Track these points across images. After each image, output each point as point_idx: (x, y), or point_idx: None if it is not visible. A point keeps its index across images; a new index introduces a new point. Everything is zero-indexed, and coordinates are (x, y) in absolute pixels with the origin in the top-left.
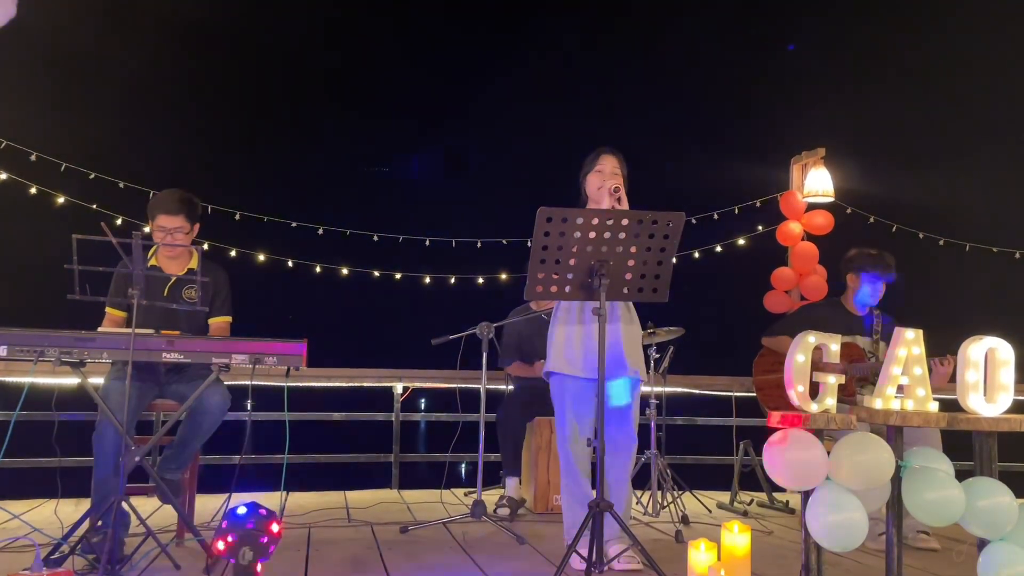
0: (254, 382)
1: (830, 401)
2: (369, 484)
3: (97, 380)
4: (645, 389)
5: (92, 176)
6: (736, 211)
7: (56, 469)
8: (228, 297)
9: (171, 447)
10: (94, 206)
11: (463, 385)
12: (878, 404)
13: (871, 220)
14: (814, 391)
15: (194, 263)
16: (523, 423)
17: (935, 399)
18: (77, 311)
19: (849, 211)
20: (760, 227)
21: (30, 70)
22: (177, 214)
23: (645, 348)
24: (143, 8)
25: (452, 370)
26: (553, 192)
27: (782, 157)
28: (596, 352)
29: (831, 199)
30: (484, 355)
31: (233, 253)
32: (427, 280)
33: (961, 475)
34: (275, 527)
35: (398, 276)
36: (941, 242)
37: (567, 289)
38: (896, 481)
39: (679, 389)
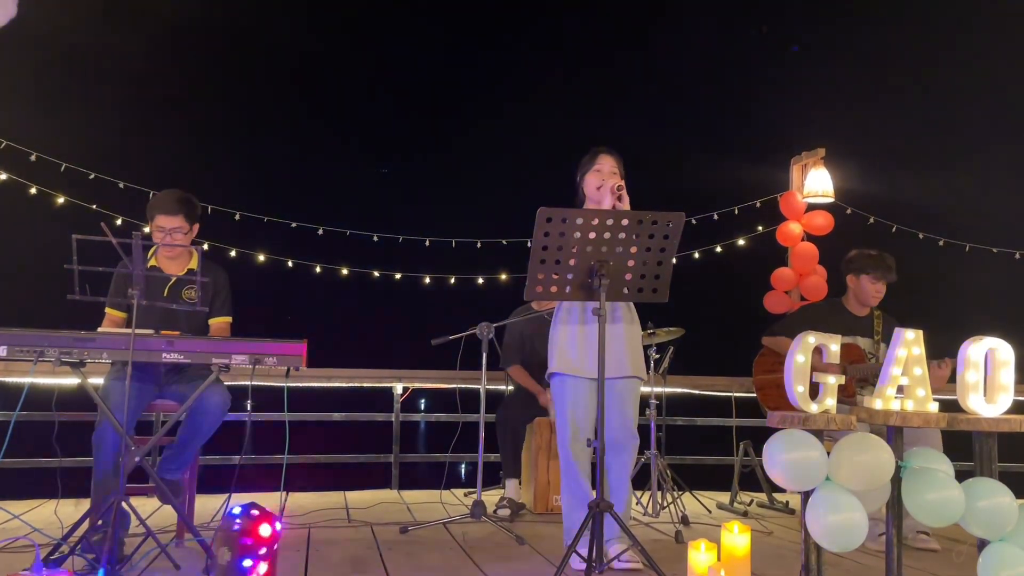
0: (254, 382)
1: (830, 402)
2: (369, 484)
3: (97, 380)
4: (645, 389)
5: (92, 176)
6: (736, 211)
7: (56, 469)
8: (228, 297)
9: (171, 447)
10: (94, 206)
11: (463, 385)
12: (878, 404)
13: (871, 220)
14: (814, 391)
15: (194, 263)
16: (523, 424)
17: (935, 399)
18: (77, 311)
19: (849, 211)
20: (760, 227)
21: (30, 70)
22: (176, 214)
23: (645, 348)
24: (143, 8)
25: (452, 370)
26: (553, 192)
27: (782, 157)
28: (605, 352)
29: (831, 199)
30: (484, 355)
31: (233, 253)
32: (427, 280)
33: (961, 475)
34: (264, 529)
35: (398, 276)
36: (941, 242)
37: (567, 289)
38: (896, 481)
39: (679, 389)
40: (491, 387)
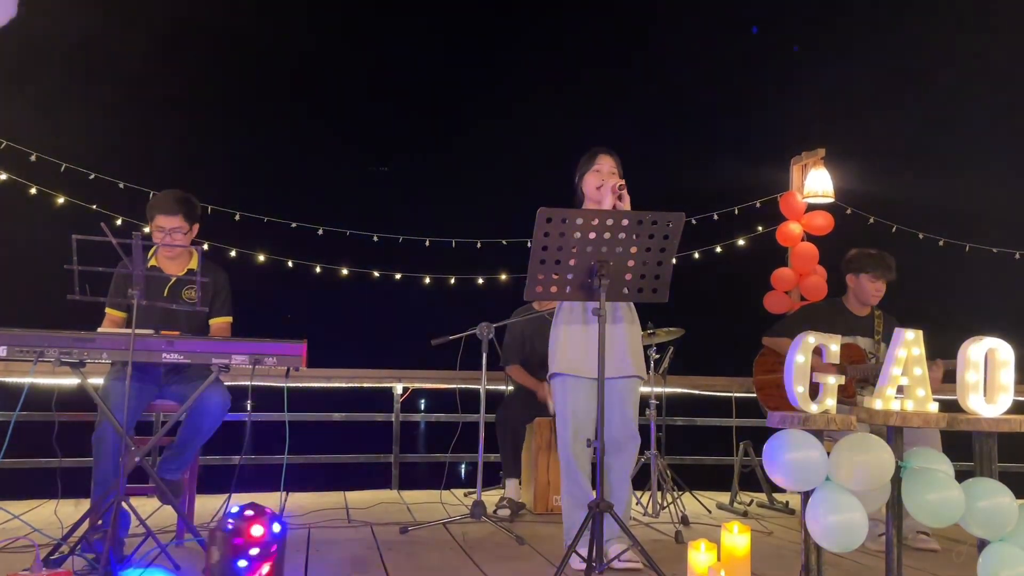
0: (254, 382)
1: (830, 402)
2: (369, 484)
3: (97, 380)
4: (645, 389)
5: (92, 176)
6: (736, 212)
7: (56, 469)
8: (228, 297)
9: (171, 448)
10: (94, 206)
11: (463, 385)
12: (878, 405)
13: (871, 221)
14: (814, 392)
15: (194, 263)
16: (522, 424)
17: (935, 399)
18: (77, 311)
19: (849, 211)
20: (760, 228)
21: (30, 70)
22: (175, 214)
23: (645, 348)
24: (144, 9)
25: (452, 370)
26: (553, 192)
27: (782, 157)
28: (605, 352)
29: (831, 200)
30: (484, 355)
31: (233, 253)
32: (427, 280)
33: (961, 476)
34: (257, 529)
35: (398, 276)
36: (941, 242)
37: (567, 290)
38: (896, 482)
39: (679, 390)
40: (491, 387)
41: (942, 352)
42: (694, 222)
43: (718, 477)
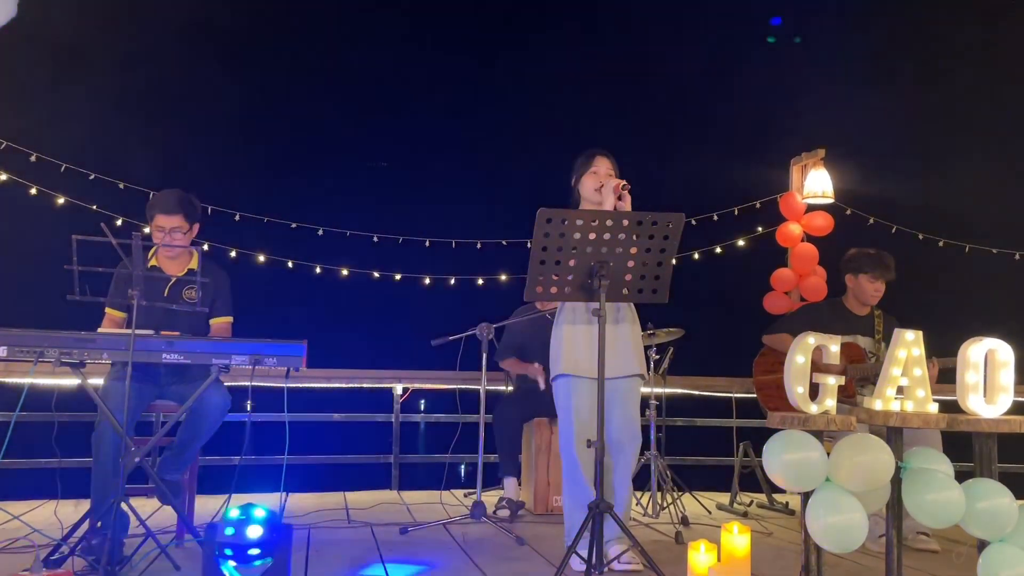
0: (254, 383)
1: (830, 402)
2: (369, 485)
3: (97, 381)
4: (645, 390)
5: (92, 177)
6: (736, 212)
7: (56, 470)
8: (228, 298)
9: (171, 448)
10: (94, 207)
11: (463, 386)
12: (878, 405)
13: (871, 221)
14: (814, 392)
15: (194, 264)
16: (519, 423)
17: (934, 400)
18: (77, 312)
19: (849, 212)
20: (760, 228)
21: (30, 71)
22: (175, 214)
23: (645, 349)
24: (144, 9)
25: (452, 371)
26: (554, 192)
27: (782, 158)
28: (606, 352)
29: (831, 200)
30: (484, 356)
31: (233, 254)
32: (427, 281)
33: (961, 476)
34: (256, 531)
35: (398, 277)
36: (940, 243)
37: (567, 290)
38: (896, 482)
39: (679, 390)
40: (491, 388)
41: (942, 353)
42: (694, 223)
43: (718, 478)
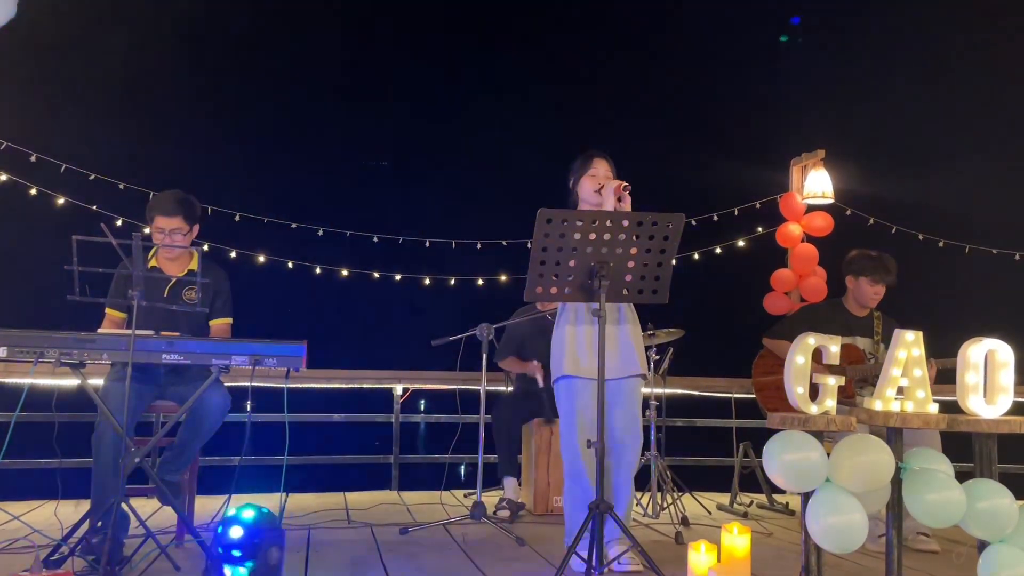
0: (254, 383)
1: (830, 403)
2: (369, 485)
3: (97, 381)
4: (645, 391)
5: (92, 177)
6: (736, 213)
7: (56, 470)
8: (228, 298)
9: (171, 448)
10: (94, 207)
11: (463, 386)
12: (878, 406)
13: (871, 222)
14: (814, 393)
15: (194, 264)
16: (518, 424)
17: (934, 400)
18: (77, 312)
19: (849, 213)
20: (760, 229)
21: (30, 71)
22: (175, 215)
23: (645, 350)
24: (145, 9)
25: (452, 371)
26: (554, 193)
27: (782, 159)
28: (608, 354)
29: (831, 201)
30: (484, 356)
31: (233, 254)
32: (427, 281)
33: (961, 477)
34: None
35: (398, 277)
36: (941, 244)
37: (567, 291)
38: (896, 483)
39: (679, 391)
40: (491, 388)
41: (942, 353)
42: (694, 223)
43: (718, 478)
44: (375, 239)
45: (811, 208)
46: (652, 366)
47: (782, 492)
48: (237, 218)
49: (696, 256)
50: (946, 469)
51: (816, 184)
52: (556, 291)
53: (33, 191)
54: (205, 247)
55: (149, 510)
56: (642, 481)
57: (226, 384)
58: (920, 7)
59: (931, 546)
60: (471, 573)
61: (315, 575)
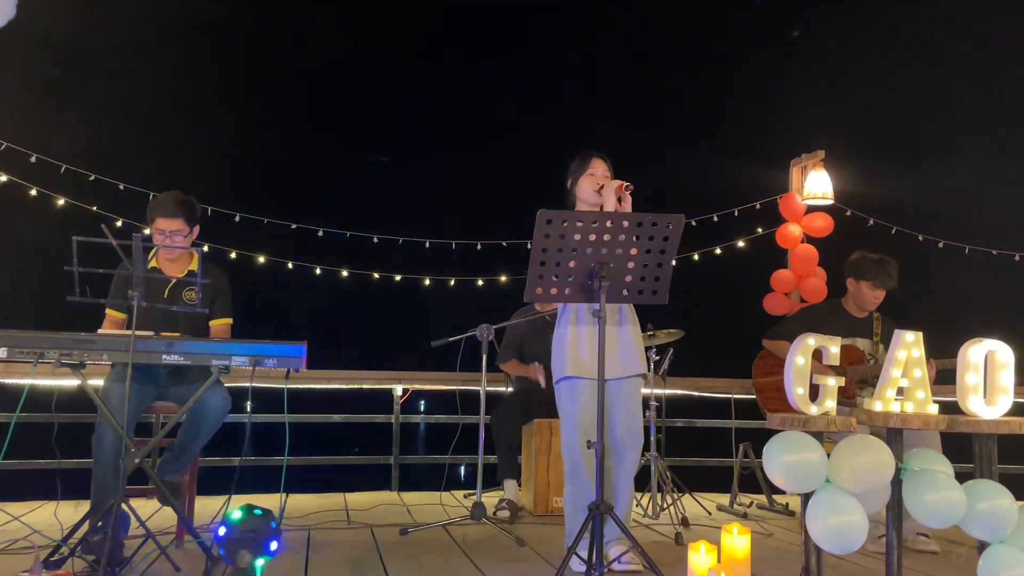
0: (254, 384)
1: (830, 403)
2: (369, 486)
3: (97, 382)
4: (645, 391)
5: (92, 178)
6: (736, 213)
7: (56, 471)
8: (229, 299)
9: (171, 449)
10: (94, 208)
11: (463, 387)
12: (878, 406)
13: (871, 222)
14: (814, 393)
15: (194, 265)
16: (518, 425)
17: (934, 401)
18: (77, 313)
19: (849, 213)
20: (760, 229)
21: (30, 72)
22: (176, 216)
23: (645, 350)
24: (145, 9)
25: (452, 372)
26: (553, 193)
27: (782, 159)
28: (610, 354)
29: (831, 201)
30: (484, 357)
31: (233, 255)
32: (427, 282)
33: (961, 477)
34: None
35: (398, 278)
36: (941, 244)
37: (567, 291)
38: (896, 483)
39: (679, 391)
40: (491, 389)
41: (942, 354)
42: (694, 224)
43: (718, 479)
44: (375, 239)
45: (811, 209)
46: (652, 367)
47: (782, 493)
48: (237, 219)
49: (696, 257)
50: (946, 470)
51: (816, 185)
52: (556, 292)
53: (33, 192)
54: (205, 248)
55: (149, 510)
56: (642, 482)
57: (226, 385)
58: (920, 7)
59: (931, 547)
60: (471, 574)
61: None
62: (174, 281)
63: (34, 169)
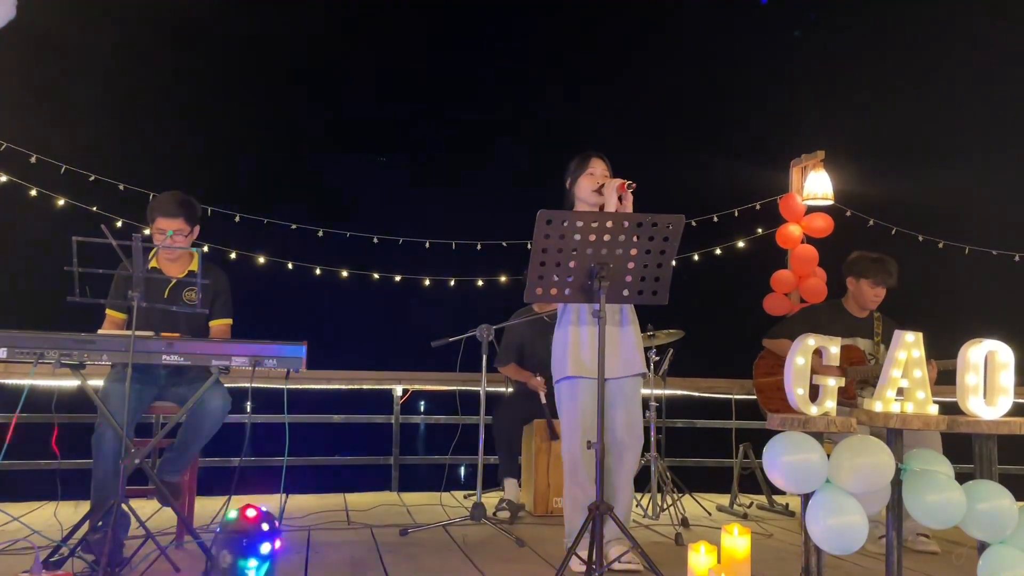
0: (254, 384)
1: (830, 404)
2: (369, 486)
3: (97, 382)
4: (645, 392)
5: (92, 178)
6: (736, 214)
7: (56, 471)
8: (229, 299)
9: (171, 449)
10: (94, 208)
11: (463, 388)
12: (878, 407)
13: (871, 223)
14: (814, 394)
15: (195, 265)
16: (519, 425)
17: (934, 402)
18: (77, 313)
19: (849, 214)
20: (760, 230)
21: (30, 72)
22: (176, 216)
23: (645, 351)
24: (145, 9)
25: (452, 372)
26: (553, 193)
27: (781, 160)
28: (611, 353)
29: (830, 202)
30: (484, 357)
31: (233, 255)
32: (427, 282)
33: (961, 478)
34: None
35: (398, 278)
36: (940, 244)
37: (567, 292)
38: (896, 484)
39: (679, 392)
40: (491, 389)
41: (942, 354)
42: (694, 224)
43: (718, 479)
44: (375, 239)
45: (811, 209)
46: (652, 367)
47: (782, 493)
48: (237, 219)
49: (696, 257)
50: (946, 470)
51: (816, 185)
52: (556, 292)
53: (33, 192)
54: (205, 248)
55: (149, 511)
56: (642, 482)
57: (226, 385)
58: (920, 7)
59: (931, 547)
60: (471, 574)
61: None
62: (174, 281)
63: (34, 169)
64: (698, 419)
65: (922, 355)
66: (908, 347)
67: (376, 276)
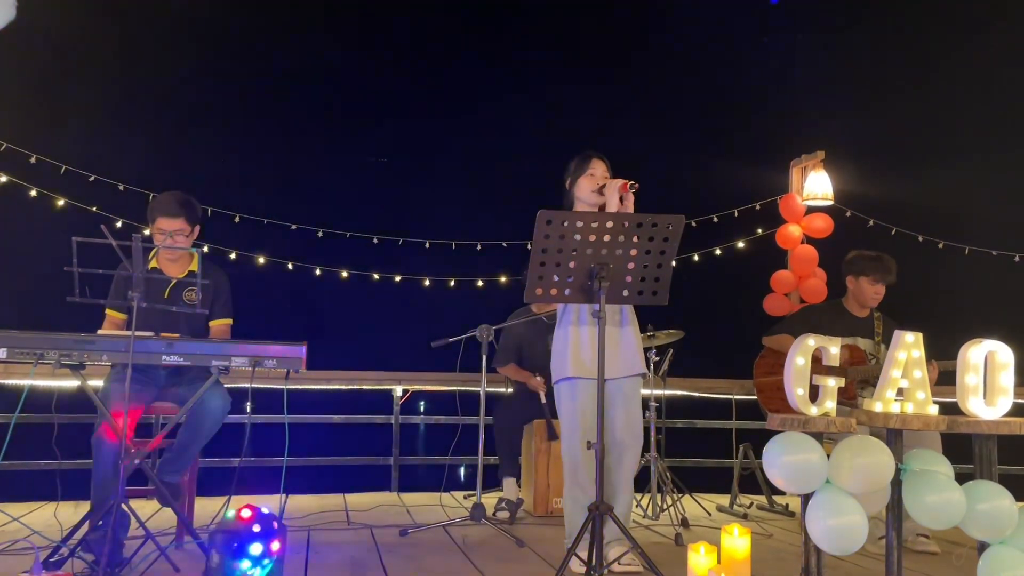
0: (254, 385)
1: (830, 404)
2: (368, 487)
3: (97, 382)
4: (644, 392)
5: (92, 178)
6: (736, 214)
7: (55, 471)
8: (229, 300)
9: (171, 450)
10: (94, 208)
11: (462, 388)
12: (878, 407)
13: (871, 223)
14: (814, 394)
15: (195, 265)
16: (519, 425)
17: (934, 402)
18: (77, 313)
19: (848, 214)
20: (760, 230)
21: (30, 73)
22: (176, 216)
23: (645, 351)
24: (144, 10)
25: (451, 372)
26: (553, 194)
27: (781, 160)
28: (611, 354)
29: (830, 202)
30: (484, 358)
31: (233, 256)
32: (427, 283)
33: (961, 478)
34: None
35: (398, 279)
36: (940, 245)
37: (567, 292)
38: (896, 484)
39: (679, 392)
40: (491, 389)
41: (942, 354)
42: (694, 224)
43: (718, 479)
44: (375, 240)
45: (811, 209)
46: (652, 367)
47: (782, 493)
48: (237, 219)
49: (696, 257)
50: (946, 470)
51: (816, 185)
52: (556, 292)
53: (33, 192)
54: (205, 248)
55: (149, 511)
56: (642, 482)
57: (226, 385)
58: (920, 7)
59: (931, 547)
60: (471, 574)
61: None
62: (174, 282)
63: (34, 169)
64: (698, 419)
65: (922, 355)
66: (908, 347)
67: (376, 276)
